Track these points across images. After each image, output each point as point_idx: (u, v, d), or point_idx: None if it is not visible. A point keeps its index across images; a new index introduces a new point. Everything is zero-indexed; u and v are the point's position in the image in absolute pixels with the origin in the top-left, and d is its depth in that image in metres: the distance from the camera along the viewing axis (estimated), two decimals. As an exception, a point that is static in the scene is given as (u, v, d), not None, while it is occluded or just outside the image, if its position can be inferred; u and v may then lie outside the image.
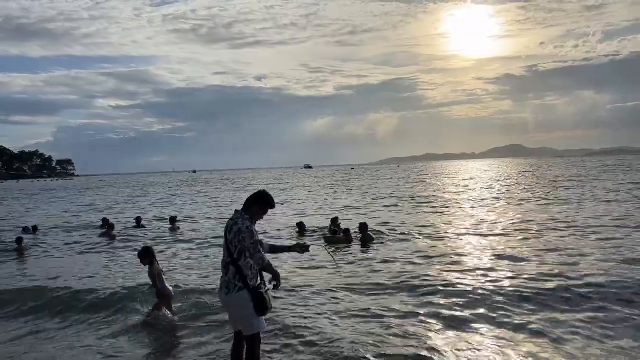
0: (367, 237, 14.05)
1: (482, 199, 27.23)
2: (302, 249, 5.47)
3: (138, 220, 21.01)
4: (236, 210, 5.07)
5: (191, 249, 14.68)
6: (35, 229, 19.85)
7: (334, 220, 16.28)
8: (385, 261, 11.31)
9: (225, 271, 4.97)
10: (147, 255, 7.47)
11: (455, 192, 34.61)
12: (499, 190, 34.62)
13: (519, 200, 25.18)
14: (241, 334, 5.12)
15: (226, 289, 4.93)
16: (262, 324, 5.06)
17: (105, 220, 22.46)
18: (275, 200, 5.23)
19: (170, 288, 7.76)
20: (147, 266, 7.48)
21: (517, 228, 15.49)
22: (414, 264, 10.91)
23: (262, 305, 4.87)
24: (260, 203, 5.03)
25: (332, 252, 5.72)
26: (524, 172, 69.08)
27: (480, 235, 14.72)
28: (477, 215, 19.59)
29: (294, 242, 5.64)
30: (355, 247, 13.45)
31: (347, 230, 14.51)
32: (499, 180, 49.57)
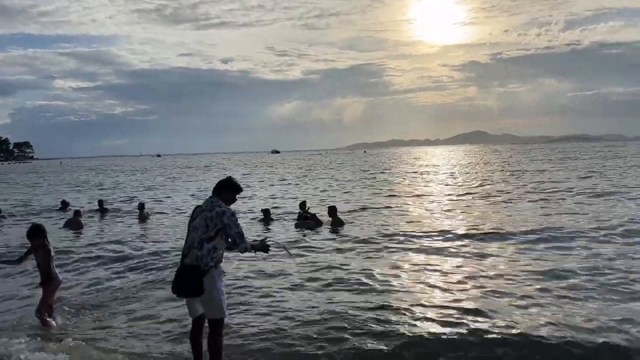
0: (336, 221, 14.01)
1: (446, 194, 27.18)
2: (264, 248, 5.32)
3: (100, 203, 20.30)
4: (211, 197, 5.10)
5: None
6: None
7: (302, 204, 16.09)
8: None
9: (199, 246, 4.85)
10: (40, 234, 6.73)
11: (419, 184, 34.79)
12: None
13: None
14: (201, 320, 5.05)
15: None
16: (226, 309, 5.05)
17: (64, 203, 21.49)
18: (244, 187, 5.24)
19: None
20: (37, 248, 6.69)
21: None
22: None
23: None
24: (230, 190, 5.16)
25: (286, 244, 5.55)
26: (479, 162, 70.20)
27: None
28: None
29: (254, 240, 5.36)
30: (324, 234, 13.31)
31: (313, 215, 14.47)
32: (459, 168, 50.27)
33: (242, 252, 5.08)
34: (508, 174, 35.04)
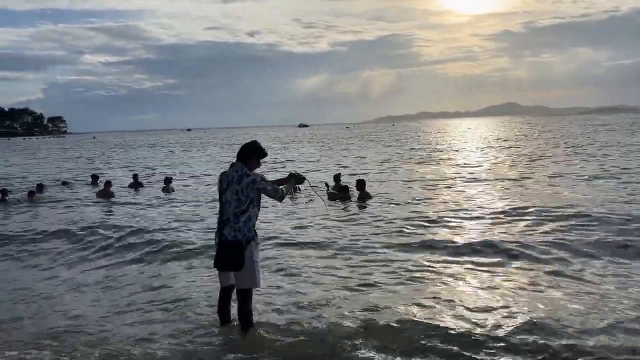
0: (365, 194, 14.13)
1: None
2: (298, 181, 5.50)
3: (135, 177, 20.79)
4: (234, 163, 5.10)
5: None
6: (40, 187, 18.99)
7: (337, 177, 16.15)
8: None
9: (235, 220, 4.91)
10: None
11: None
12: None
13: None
14: (230, 290, 5.17)
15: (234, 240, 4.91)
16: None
17: (94, 177, 22.01)
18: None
19: None
20: None
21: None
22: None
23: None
24: (256, 154, 5.13)
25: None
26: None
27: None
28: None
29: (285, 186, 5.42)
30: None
31: (345, 187, 14.58)
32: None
33: (280, 201, 5.38)
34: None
